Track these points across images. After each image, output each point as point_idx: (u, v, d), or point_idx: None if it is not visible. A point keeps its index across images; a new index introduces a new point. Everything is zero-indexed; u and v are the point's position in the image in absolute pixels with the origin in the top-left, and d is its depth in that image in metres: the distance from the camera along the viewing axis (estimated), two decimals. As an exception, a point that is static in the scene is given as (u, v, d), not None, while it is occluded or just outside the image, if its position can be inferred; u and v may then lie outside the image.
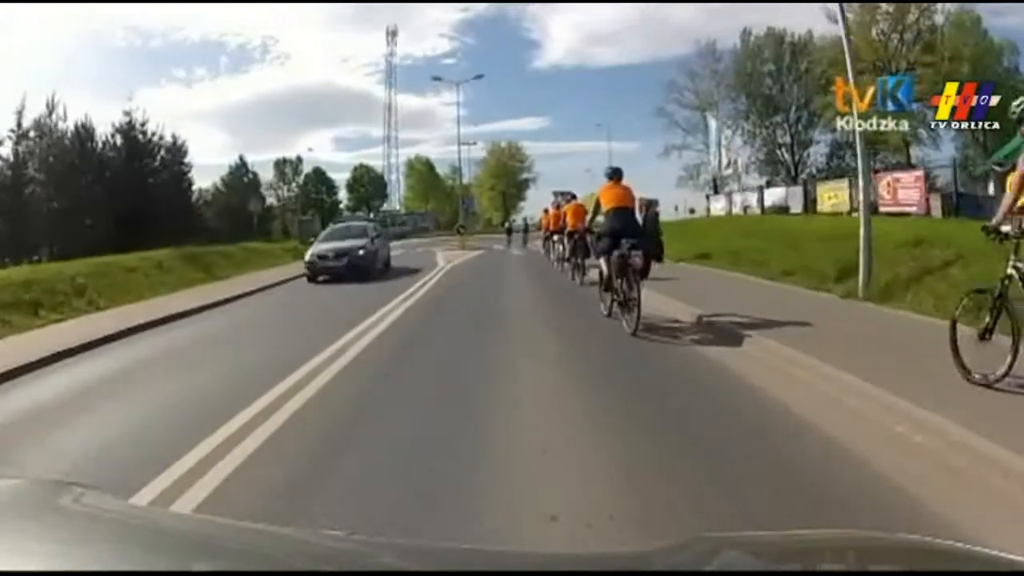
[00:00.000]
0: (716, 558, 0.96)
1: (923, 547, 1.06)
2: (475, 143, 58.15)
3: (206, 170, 62.99)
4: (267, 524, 1.49)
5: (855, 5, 33.98)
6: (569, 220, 13.14)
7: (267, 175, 54.68)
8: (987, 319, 4.11)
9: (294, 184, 56.71)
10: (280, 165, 55.39)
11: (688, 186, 46.26)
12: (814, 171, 46.41)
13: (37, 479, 1.82)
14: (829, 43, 39.25)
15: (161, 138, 34.01)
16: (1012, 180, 4.03)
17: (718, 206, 35.24)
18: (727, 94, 46.48)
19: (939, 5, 36.26)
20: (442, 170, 63.14)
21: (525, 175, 65.07)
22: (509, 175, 64.26)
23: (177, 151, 35.01)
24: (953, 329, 4.30)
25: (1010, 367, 3.80)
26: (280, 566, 0.95)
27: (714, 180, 42.45)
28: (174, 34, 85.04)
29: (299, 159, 56.14)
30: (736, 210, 31.87)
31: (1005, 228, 4.05)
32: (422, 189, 62.85)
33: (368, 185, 59.56)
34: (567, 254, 13.53)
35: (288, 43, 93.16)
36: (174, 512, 2.53)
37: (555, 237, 16.14)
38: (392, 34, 59.32)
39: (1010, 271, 3.97)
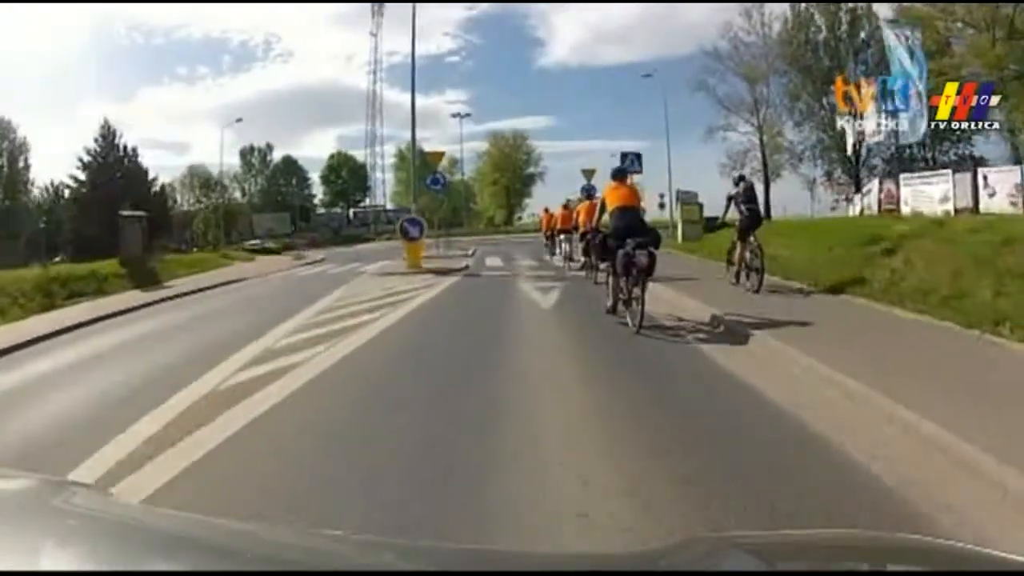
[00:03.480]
0: (716, 558, 0.97)
1: (923, 547, 1.07)
2: (469, 114, 51.53)
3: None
4: (267, 524, 1.50)
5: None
6: (581, 219, 13.19)
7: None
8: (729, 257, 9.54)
9: (260, 178, 48.51)
10: (246, 155, 47.24)
11: (732, 177, 37.98)
12: (880, 162, 38.85)
13: (37, 479, 1.38)
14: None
15: None
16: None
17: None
18: (777, 66, 38.50)
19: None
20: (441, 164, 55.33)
21: (531, 169, 57.58)
22: (514, 168, 56.88)
23: None
24: (728, 257, 9.53)
25: (737, 276, 8.93)
26: (280, 566, 0.93)
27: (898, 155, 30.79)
28: (177, 32, 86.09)
29: (269, 146, 47.97)
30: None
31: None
32: (414, 183, 54.47)
33: (347, 177, 50.88)
34: (579, 253, 13.68)
35: (290, 41, 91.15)
36: (174, 512, 2.07)
37: (562, 236, 16.14)
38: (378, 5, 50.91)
39: (734, 239, 9.14)
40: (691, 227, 13.79)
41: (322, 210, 49.82)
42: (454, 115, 49.21)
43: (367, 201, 50.24)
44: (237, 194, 47.93)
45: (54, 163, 67.38)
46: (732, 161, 37.66)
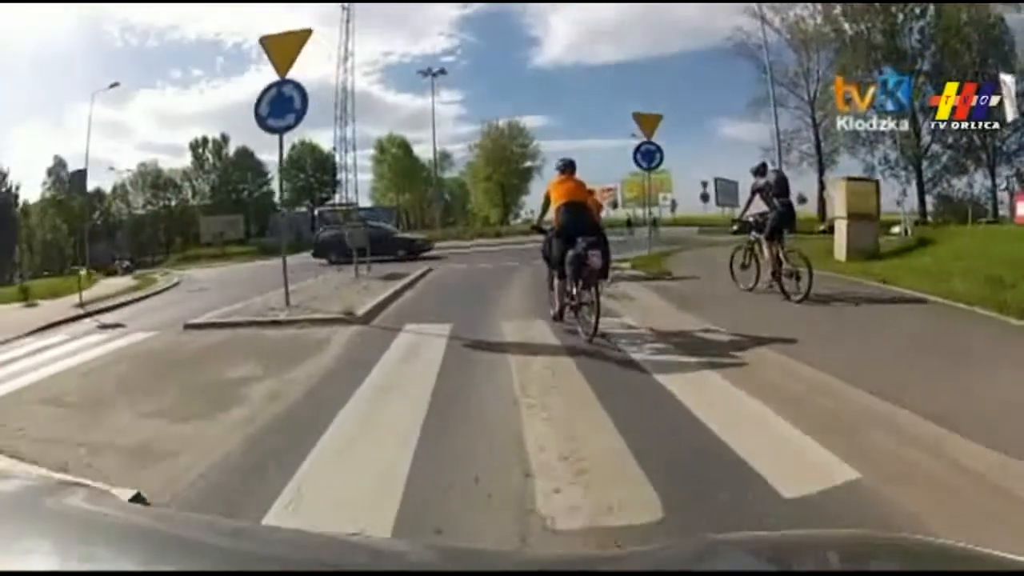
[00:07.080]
0: (716, 558, 0.96)
1: (923, 547, 1.06)
2: (443, 71, 44.37)
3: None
4: (267, 524, 1.50)
5: None
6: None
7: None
8: (744, 259, 8.74)
9: (214, 174, 41.58)
10: (197, 147, 40.32)
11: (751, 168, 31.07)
12: (940, 148, 32.58)
13: (37, 479, 1.50)
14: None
15: None
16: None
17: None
18: (826, 33, 31.82)
19: None
20: (427, 157, 48.41)
21: (528, 163, 50.56)
22: (510, 162, 49.93)
23: None
24: (732, 262, 8.94)
25: (757, 280, 8.44)
26: (280, 566, 0.93)
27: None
28: (170, 34, 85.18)
29: (224, 138, 41.01)
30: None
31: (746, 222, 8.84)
32: (395, 178, 47.40)
33: (313, 169, 43.63)
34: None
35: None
36: (174, 512, 2.40)
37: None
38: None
39: (752, 237, 8.51)
40: (865, 229, 6.62)
41: (283, 211, 42.75)
42: (421, 72, 42.09)
43: (337, 198, 42.64)
44: (189, 192, 41.17)
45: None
46: (779, 142, 30.82)
